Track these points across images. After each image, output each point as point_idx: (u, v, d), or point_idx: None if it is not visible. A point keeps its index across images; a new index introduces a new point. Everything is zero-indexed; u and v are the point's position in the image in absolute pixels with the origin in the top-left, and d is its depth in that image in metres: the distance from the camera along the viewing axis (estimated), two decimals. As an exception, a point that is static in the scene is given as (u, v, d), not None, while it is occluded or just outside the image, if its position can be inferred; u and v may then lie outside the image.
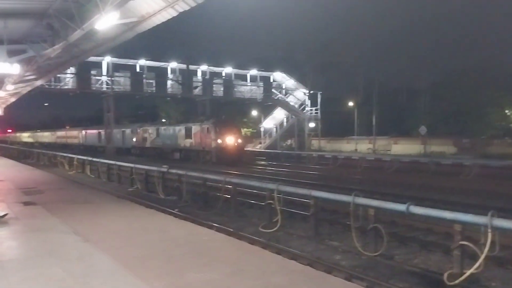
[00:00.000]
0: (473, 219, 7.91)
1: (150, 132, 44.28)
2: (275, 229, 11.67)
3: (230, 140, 36.09)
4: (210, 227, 11.48)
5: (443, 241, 10.35)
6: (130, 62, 45.82)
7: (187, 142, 39.41)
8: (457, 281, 7.58)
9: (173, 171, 17.85)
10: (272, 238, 11.17)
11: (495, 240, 7.53)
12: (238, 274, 6.65)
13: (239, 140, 36.91)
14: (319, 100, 53.88)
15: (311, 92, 52.92)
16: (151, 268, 6.91)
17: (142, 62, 46.18)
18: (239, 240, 9.69)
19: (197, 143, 37.89)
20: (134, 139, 46.55)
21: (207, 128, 36.66)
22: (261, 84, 53.21)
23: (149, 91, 46.22)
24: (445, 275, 7.79)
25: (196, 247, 8.25)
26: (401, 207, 9.26)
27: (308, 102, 53.28)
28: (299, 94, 54.60)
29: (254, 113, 56.58)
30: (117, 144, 48.25)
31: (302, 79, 53.84)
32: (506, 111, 35.87)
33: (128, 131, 48.79)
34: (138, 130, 46.02)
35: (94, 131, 57.13)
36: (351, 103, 51.30)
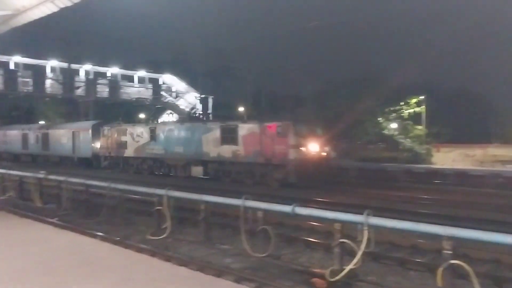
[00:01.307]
0: (351, 218, 8.34)
1: (136, 133, 29.97)
2: (164, 235, 11.54)
3: (315, 147, 22.26)
4: (94, 236, 11.03)
5: (326, 240, 10.75)
6: (4, 58, 41.99)
7: (226, 151, 24.18)
8: (337, 277, 7.97)
9: (52, 177, 16.63)
10: (161, 245, 11.01)
11: (371, 237, 7.95)
12: (125, 284, 6.45)
13: (326, 148, 22.99)
14: (210, 104, 53.91)
15: (203, 96, 52.93)
16: (31, 282, 6.47)
17: (17, 59, 42.48)
18: (125, 249, 9.38)
19: (250, 152, 23.05)
20: (98, 145, 33.60)
21: (280, 128, 22.02)
22: (150, 86, 51.76)
23: (25, 90, 42.67)
24: (327, 271, 8.13)
25: (79, 258, 7.79)
26: (287, 208, 9.57)
27: (199, 106, 53.11)
28: (190, 98, 53.98)
29: (142, 115, 54.75)
30: (61, 152, 37.34)
31: (193, 83, 53.68)
32: (379, 119, 39.23)
33: (84, 133, 35.08)
34: (106, 131, 32.44)
35: (15, 132, 44.12)
36: (241, 109, 52.34)
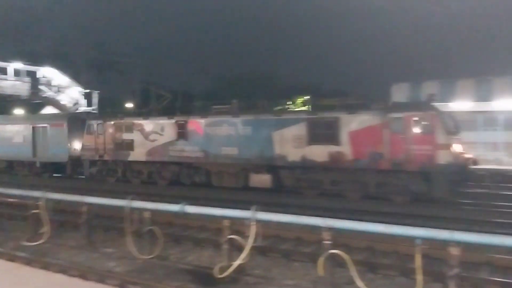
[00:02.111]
0: (239, 214, 8.71)
1: (150, 129, 21.96)
2: (42, 241, 11.15)
3: (459, 147, 16.25)
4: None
5: (215, 237, 10.64)
6: None
7: (318, 152, 17.65)
8: (225, 273, 8.19)
9: None
10: (38, 252, 10.56)
11: (259, 232, 8.26)
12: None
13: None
14: (95, 99, 47.20)
15: (87, 91, 46.75)
16: None
17: None
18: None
19: (364, 154, 16.80)
20: (79, 145, 24.80)
21: (421, 121, 15.98)
22: (27, 79, 43.27)
23: None
24: (215, 268, 8.34)
25: None
26: (175, 207, 9.83)
27: (83, 101, 46.10)
28: (73, 93, 46.70)
29: (19, 111, 46.93)
30: (12, 155, 27.09)
31: (77, 77, 48.01)
32: None
33: (56, 129, 25.36)
34: (95, 127, 23.67)
35: None
36: (130, 105, 47.25)
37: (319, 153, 17.74)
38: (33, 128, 26.51)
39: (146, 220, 9.78)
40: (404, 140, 16.18)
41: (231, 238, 8.47)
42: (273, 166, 18.99)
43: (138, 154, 22.48)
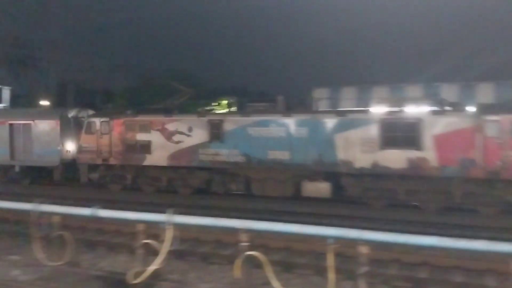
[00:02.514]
0: (155, 218, 8.42)
1: (175, 129, 18.63)
2: None
3: None
4: None
5: (131, 242, 10.08)
6: None
7: (395, 158, 15.49)
8: (140, 279, 7.95)
9: None
10: None
11: (177, 235, 8.08)
12: None
13: None
14: (6, 96, 43.42)
15: None
16: None
17: None
18: None
19: (453, 161, 14.80)
20: (73, 147, 21.03)
21: None
22: None
23: None
24: (129, 274, 8.08)
25: None
26: (86, 211, 9.50)
27: None
28: None
29: None
30: None
31: None
32: None
33: (44, 127, 21.12)
34: (97, 125, 19.92)
35: None
36: (46, 102, 44.16)
37: (395, 158, 15.63)
38: (11, 125, 22.00)
39: (55, 225, 9.40)
40: (501, 146, 14.50)
41: (146, 242, 8.30)
42: (333, 173, 16.63)
43: (156, 158, 19.10)
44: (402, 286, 8.44)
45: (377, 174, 15.98)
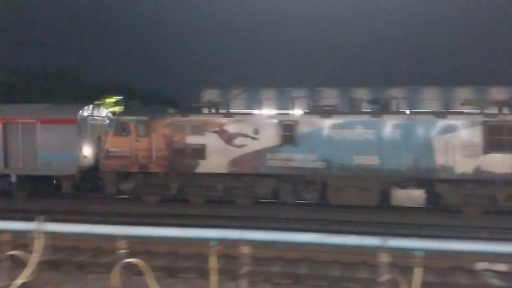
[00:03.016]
0: (23, 227, 7.81)
1: (237, 131, 16.06)
2: None
3: None
4: None
5: None
6: None
7: (500, 163, 14.61)
8: None
9: None
10: None
11: (48, 244, 7.56)
12: None
13: None
14: None
15: None
16: None
17: None
18: None
19: None
20: (92, 151, 17.63)
21: None
22: None
23: None
24: None
25: None
26: None
27: None
28: None
29: None
30: None
31: None
32: None
33: (56, 129, 17.03)
34: (131, 127, 16.60)
35: None
36: None
37: (501, 163, 14.82)
38: (5, 125, 17.61)
39: None
40: None
41: (12, 254, 7.70)
42: (429, 180, 15.40)
43: (213, 165, 16.37)
44: (283, 283, 8.55)
45: (479, 179, 15.05)
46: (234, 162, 16.30)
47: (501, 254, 6.97)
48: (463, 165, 15.05)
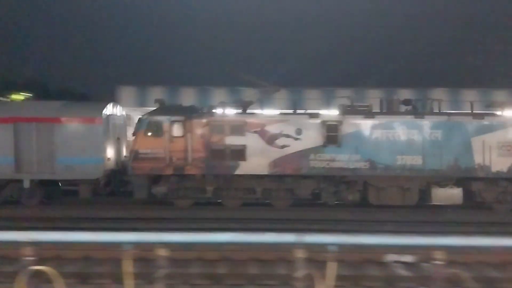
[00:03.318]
0: None
1: (279, 131, 15.53)
2: None
3: None
4: None
5: None
6: None
7: None
8: None
9: None
10: None
11: None
12: None
13: None
14: None
15: None
16: None
17: None
18: None
19: None
20: (117, 153, 16.74)
21: None
22: None
23: None
24: None
25: None
26: None
27: None
28: None
29: None
30: None
31: None
32: None
33: (69, 127, 15.57)
34: (166, 126, 15.48)
35: None
36: None
37: (532, 162, 15.74)
38: (16, 124, 15.83)
39: None
40: None
41: None
42: (467, 179, 15.99)
43: (254, 166, 15.84)
44: (202, 284, 8.40)
45: (512, 178, 15.89)
46: (276, 163, 15.88)
47: (407, 247, 7.37)
48: (498, 164, 15.78)
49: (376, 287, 8.03)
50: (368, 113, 16.22)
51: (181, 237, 7.07)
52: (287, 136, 15.89)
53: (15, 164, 15.75)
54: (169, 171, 15.86)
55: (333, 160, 15.87)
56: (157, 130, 15.81)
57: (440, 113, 16.52)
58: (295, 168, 15.92)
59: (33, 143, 15.82)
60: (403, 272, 8.50)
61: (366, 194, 16.22)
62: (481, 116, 16.25)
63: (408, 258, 8.47)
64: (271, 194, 16.29)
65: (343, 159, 15.86)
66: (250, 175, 15.98)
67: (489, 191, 16.07)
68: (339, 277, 6.87)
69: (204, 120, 15.92)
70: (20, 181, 15.96)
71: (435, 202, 16.00)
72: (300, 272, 6.29)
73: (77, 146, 15.69)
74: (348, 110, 16.33)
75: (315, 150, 15.85)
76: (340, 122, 15.95)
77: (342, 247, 6.67)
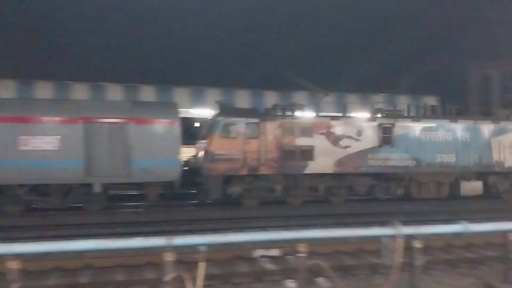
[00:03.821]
0: None
1: (342, 133, 16.86)
2: None
3: None
4: None
5: None
6: None
7: None
8: None
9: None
10: None
11: None
12: None
13: None
14: None
15: None
16: None
17: None
18: None
19: None
20: (195, 155, 16.48)
21: None
22: None
23: None
24: None
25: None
26: None
27: None
28: None
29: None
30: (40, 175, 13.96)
31: None
32: None
33: (143, 128, 14.47)
34: (241, 128, 15.70)
35: None
36: None
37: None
38: (87, 125, 14.90)
39: None
40: None
41: None
42: (485, 173, 18.96)
43: (321, 165, 16.98)
44: None
45: (519, 172, 19.28)
46: (339, 162, 17.18)
47: (274, 241, 7.61)
48: (510, 161, 19.01)
49: (245, 283, 7.94)
50: (415, 117, 18.35)
51: (34, 247, 6.40)
52: (350, 137, 17.29)
53: (85, 168, 14.85)
54: (243, 172, 16.24)
55: (387, 159, 17.66)
56: (231, 132, 16.11)
57: (468, 118, 19.27)
58: (355, 166, 17.38)
59: (105, 145, 15.06)
60: (270, 266, 8.63)
61: (409, 189, 18.30)
62: (498, 120, 19.38)
63: (274, 252, 8.83)
64: (331, 191, 17.54)
65: (396, 158, 17.75)
66: (316, 174, 17.06)
67: (501, 183, 19.21)
68: (209, 276, 6.87)
69: (277, 122, 16.61)
70: (88, 186, 15.07)
71: (463, 194, 18.63)
72: (169, 276, 6.08)
73: (154, 148, 15.31)
74: (399, 114, 18.30)
75: (372, 150, 17.49)
76: (393, 125, 17.81)
77: (211, 246, 6.62)
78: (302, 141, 16.79)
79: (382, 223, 7.51)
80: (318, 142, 16.94)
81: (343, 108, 18.70)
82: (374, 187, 17.91)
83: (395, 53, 26.39)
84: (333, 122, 17.26)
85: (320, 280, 7.66)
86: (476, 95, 30.00)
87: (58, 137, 14.60)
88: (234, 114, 16.54)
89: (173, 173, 15.53)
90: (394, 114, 18.33)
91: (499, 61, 29.05)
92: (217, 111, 17.06)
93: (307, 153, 16.79)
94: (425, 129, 18.15)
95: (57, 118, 14.70)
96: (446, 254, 9.65)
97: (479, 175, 18.85)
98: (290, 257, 8.45)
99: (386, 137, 17.65)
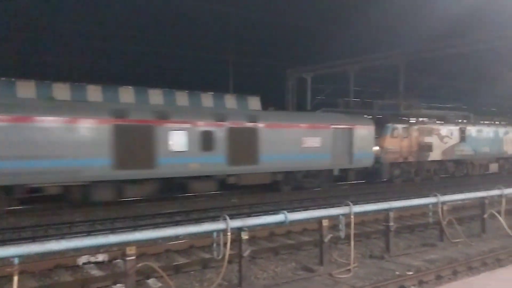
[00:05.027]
0: None
1: (444, 133, 26.45)
2: None
3: None
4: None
5: None
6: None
7: None
8: None
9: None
10: None
11: None
12: None
13: None
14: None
15: None
16: None
17: None
18: None
19: None
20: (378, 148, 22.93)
21: None
22: None
23: None
24: None
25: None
26: None
27: None
28: None
29: None
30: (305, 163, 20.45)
31: None
32: None
33: (361, 131, 21.71)
34: (395, 129, 23.59)
35: None
36: None
37: (521, 148, 31.64)
38: (333, 129, 21.76)
39: None
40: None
41: None
42: (499, 158, 30.57)
43: (435, 155, 26.33)
44: None
45: (515, 157, 31.40)
46: (443, 153, 26.74)
47: (101, 246, 7.77)
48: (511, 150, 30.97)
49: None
50: (473, 123, 28.98)
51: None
52: (448, 137, 26.90)
53: (330, 159, 21.66)
54: (400, 160, 24.64)
55: (462, 150, 27.81)
56: (395, 133, 24.36)
57: (495, 123, 30.61)
58: (450, 155, 27.12)
59: (340, 142, 22.07)
60: (96, 272, 8.22)
61: (467, 169, 28.75)
62: (506, 125, 31.10)
63: (100, 258, 8.59)
64: (436, 172, 26.94)
65: (466, 149, 28.02)
66: (433, 160, 26.31)
67: (507, 165, 31.02)
68: None
69: (416, 127, 25.40)
70: (330, 170, 21.92)
71: (490, 171, 29.79)
72: None
73: (363, 145, 22.75)
74: (468, 120, 28.72)
75: (457, 145, 27.42)
76: (465, 128, 28.02)
77: (27, 257, 6.18)
78: (428, 139, 25.81)
79: (213, 218, 8.52)
80: (434, 139, 26.15)
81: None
82: (455, 168, 27.92)
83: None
84: (440, 127, 26.69)
85: (151, 281, 7.65)
86: (293, 96, 36.41)
87: (319, 138, 21.23)
88: (398, 122, 24.83)
89: (371, 161, 23.18)
90: (466, 121, 28.69)
91: (312, 66, 36.36)
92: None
93: (429, 147, 25.90)
94: (478, 131, 28.80)
95: (321, 125, 21.34)
96: (269, 242, 10.47)
97: (496, 160, 30.32)
98: (118, 261, 8.29)
99: (462, 136, 27.77)
